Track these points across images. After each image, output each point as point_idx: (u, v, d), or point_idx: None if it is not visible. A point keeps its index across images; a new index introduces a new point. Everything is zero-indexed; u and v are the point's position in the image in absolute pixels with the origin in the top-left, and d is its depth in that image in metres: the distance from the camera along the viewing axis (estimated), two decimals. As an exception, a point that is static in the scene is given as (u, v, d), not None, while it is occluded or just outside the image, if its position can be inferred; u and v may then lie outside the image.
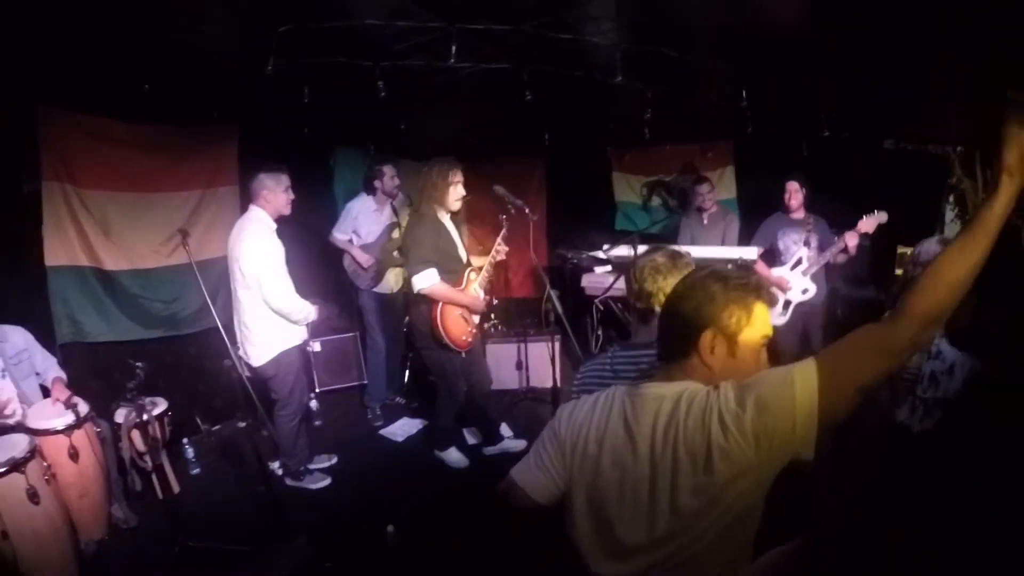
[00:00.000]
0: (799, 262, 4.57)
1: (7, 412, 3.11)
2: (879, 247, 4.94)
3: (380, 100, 3.75)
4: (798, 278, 4.54)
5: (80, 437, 3.08)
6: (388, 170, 4.92)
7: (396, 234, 4.92)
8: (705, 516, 1.27)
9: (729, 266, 4.31)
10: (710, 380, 1.36)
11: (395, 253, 4.90)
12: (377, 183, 4.91)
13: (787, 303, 4.55)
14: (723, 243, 5.21)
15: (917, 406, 2.58)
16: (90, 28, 2.83)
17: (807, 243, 4.55)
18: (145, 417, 3.25)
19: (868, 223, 4.34)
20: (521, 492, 1.53)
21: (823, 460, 1.25)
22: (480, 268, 4.02)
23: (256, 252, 3.56)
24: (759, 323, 1.40)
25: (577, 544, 1.45)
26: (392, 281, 5.09)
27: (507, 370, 5.48)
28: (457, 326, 3.84)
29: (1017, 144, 1.15)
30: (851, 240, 4.35)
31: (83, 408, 3.17)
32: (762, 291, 1.42)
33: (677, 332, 1.41)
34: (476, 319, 4.03)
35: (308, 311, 3.76)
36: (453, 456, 4.19)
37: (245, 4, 2.85)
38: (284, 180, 3.71)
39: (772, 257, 4.78)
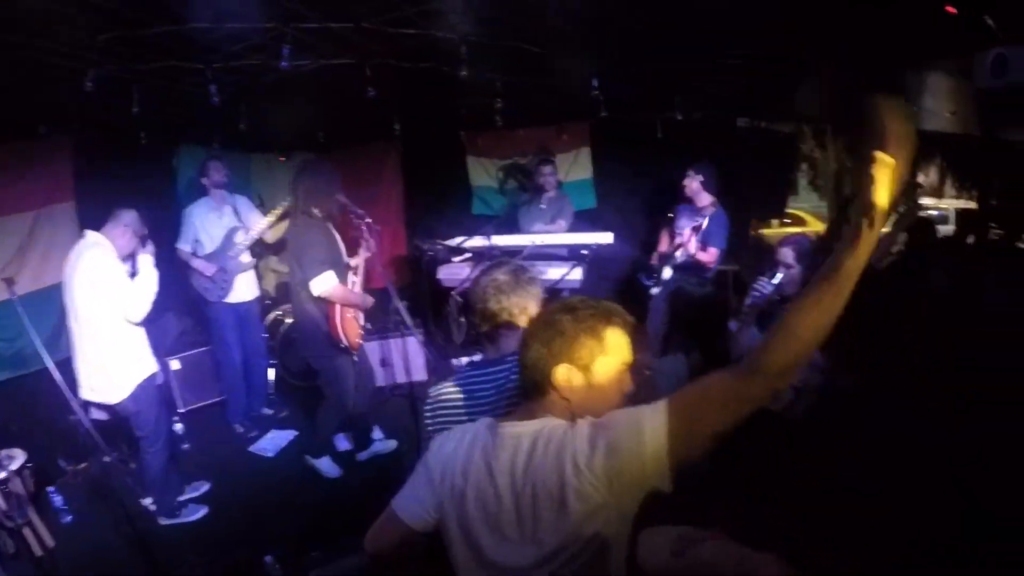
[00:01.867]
0: (678, 246, 4.77)
1: None
2: (735, 223, 5.22)
3: (218, 100, 3.61)
4: (673, 261, 4.78)
5: (-71, 509, 2.79)
6: (213, 164, 4.68)
7: (239, 238, 4.69)
8: (567, 549, 1.30)
9: (583, 252, 4.53)
10: (570, 413, 1.39)
11: (243, 258, 4.72)
12: (205, 180, 4.65)
13: (660, 282, 4.79)
14: (562, 228, 5.34)
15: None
16: None
17: (696, 230, 4.69)
18: (3, 475, 3.00)
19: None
20: (399, 520, 1.53)
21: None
22: (357, 267, 4.00)
23: (97, 282, 3.31)
24: (614, 349, 1.42)
25: (457, 567, 1.48)
26: (244, 290, 4.80)
27: (373, 368, 5.40)
28: (352, 327, 3.85)
29: (884, 176, 1.13)
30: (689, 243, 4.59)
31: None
32: (613, 316, 1.44)
33: (532, 371, 1.42)
34: (362, 318, 4.03)
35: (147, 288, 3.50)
36: (326, 465, 4.10)
37: (61, 13, 2.62)
38: (143, 230, 3.56)
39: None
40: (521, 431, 1.40)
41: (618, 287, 5.82)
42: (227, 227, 4.68)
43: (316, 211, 3.73)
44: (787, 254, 3.04)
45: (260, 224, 4.73)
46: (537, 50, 3.71)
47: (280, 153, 6.62)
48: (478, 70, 3.80)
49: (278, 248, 5.18)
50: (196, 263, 4.58)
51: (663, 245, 4.95)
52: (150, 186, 4.97)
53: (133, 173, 4.67)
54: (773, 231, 10.34)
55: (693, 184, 4.75)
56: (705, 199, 4.74)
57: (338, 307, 3.75)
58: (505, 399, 1.83)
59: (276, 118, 4.84)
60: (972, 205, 7.02)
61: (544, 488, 1.31)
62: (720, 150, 5.31)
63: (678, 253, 4.73)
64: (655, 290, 4.77)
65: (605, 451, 1.26)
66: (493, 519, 1.39)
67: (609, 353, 1.41)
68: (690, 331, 2.49)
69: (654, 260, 4.91)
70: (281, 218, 4.83)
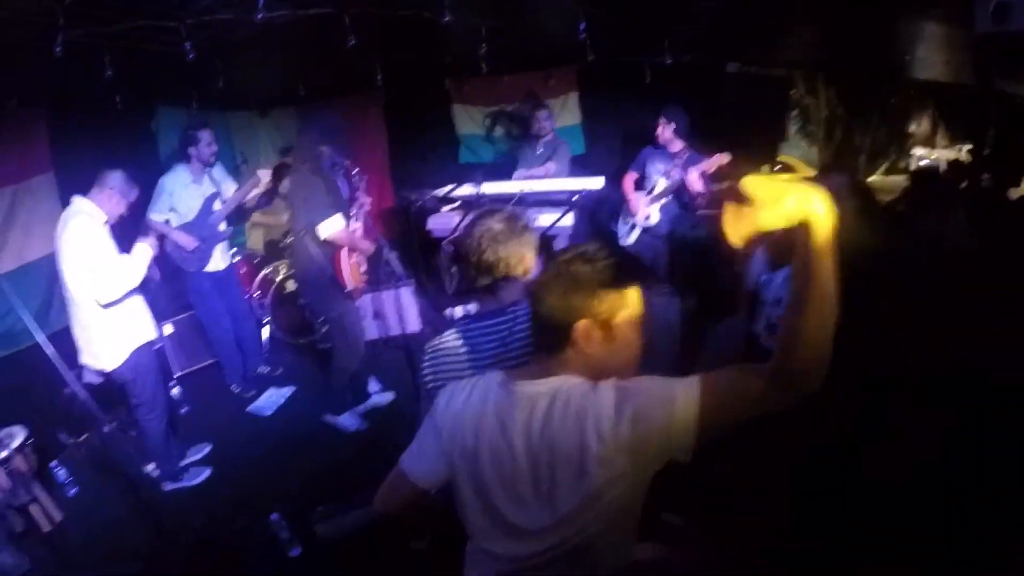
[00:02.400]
0: (651, 190, 4.78)
1: None
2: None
3: (193, 56, 3.47)
4: (645, 204, 4.78)
5: (-67, 494, 2.79)
6: (204, 136, 4.41)
7: (217, 206, 4.56)
8: (583, 515, 1.28)
9: (575, 198, 4.51)
10: (589, 368, 1.34)
11: (221, 227, 4.60)
12: (192, 150, 4.40)
13: (632, 226, 4.82)
14: (550, 170, 5.30)
15: (768, 325, 2.88)
16: None
17: (667, 174, 4.71)
18: (4, 454, 3.00)
19: (708, 163, 4.52)
20: (408, 480, 1.49)
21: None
22: (356, 214, 4.04)
23: (79, 251, 3.22)
24: (633, 303, 1.36)
25: (469, 525, 1.46)
26: (219, 258, 4.68)
27: (365, 320, 5.38)
28: (355, 272, 3.88)
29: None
30: (690, 176, 4.52)
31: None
32: (631, 266, 1.39)
33: (549, 326, 1.35)
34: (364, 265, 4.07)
35: (136, 274, 3.42)
36: (348, 421, 4.13)
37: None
38: (133, 192, 3.45)
39: (641, 184, 4.94)
40: (538, 390, 1.34)
41: (607, 232, 5.79)
42: (204, 195, 4.51)
43: (327, 155, 3.75)
44: None
45: (254, 186, 4.62)
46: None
47: (259, 109, 6.46)
48: (461, 15, 3.66)
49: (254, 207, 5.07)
50: (177, 236, 4.40)
51: (629, 189, 4.94)
52: (130, 151, 4.82)
53: (112, 139, 4.54)
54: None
55: (666, 132, 4.73)
56: (678, 144, 4.74)
57: (344, 252, 3.77)
58: (512, 351, 1.78)
59: (254, 73, 4.68)
60: (963, 156, 7.00)
61: (563, 452, 1.27)
62: (709, 95, 5.25)
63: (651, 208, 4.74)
64: (628, 240, 4.78)
65: (632, 419, 1.22)
66: (508, 480, 1.35)
67: (628, 307, 1.35)
68: (685, 273, 2.46)
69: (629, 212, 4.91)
70: (275, 175, 4.76)
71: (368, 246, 4.03)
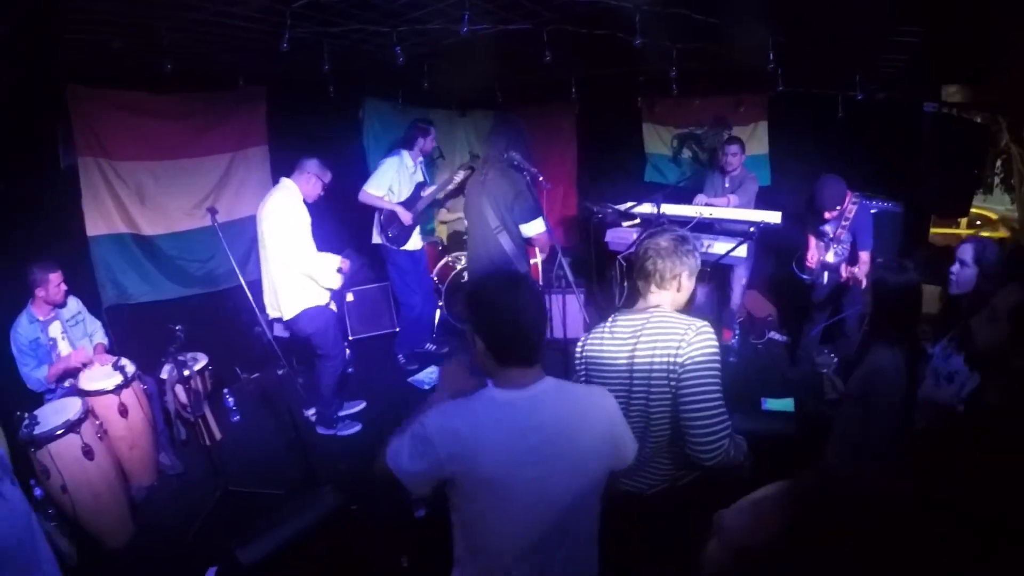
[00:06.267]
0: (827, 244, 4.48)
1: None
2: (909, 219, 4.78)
3: (403, 60, 3.79)
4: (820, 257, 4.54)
5: (128, 395, 3.42)
6: (432, 131, 5.01)
7: (425, 192, 5.04)
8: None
9: (751, 228, 4.33)
10: None
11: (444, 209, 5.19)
12: (420, 140, 4.97)
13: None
14: (732, 202, 5.15)
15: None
16: (111, 8, 2.94)
17: (835, 240, 4.40)
18: (187, 373, 3.55)
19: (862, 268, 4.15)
20: None
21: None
22: None
23: (281, 219, 3.75)
24: None
25: None
26: (417, 239, 5.14)
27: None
28: (536, 273, 4.26)
29: None
30: (851, 272, 4.18)
31: (130, 368, 3.48)
32: None
33: None
34: None
35: (332, 278, 3.95)
36: None
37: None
38: (327, 176, 3.95)
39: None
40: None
41: (780, 268, 5.47)
42: (415, 182, 5.04)
43: (516, 161, 3.82)
44: (966, 250, 2.79)
45: (452, 182, 5.13)
46: (713, 21, 3.51)
47: (459, 109, 6.91)
48: (653, 38, 3.67)
49: (443, 201, 5.48)
50: (399, 210, 4.90)
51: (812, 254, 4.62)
52: (336, 134, 5.42)
53: (322, 122, 5.11)
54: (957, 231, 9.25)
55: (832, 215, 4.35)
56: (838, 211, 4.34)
57: (536, 251, 4.02)
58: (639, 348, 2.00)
59: (456, 77, 5.01)
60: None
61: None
62: (902, 135, 4.80)
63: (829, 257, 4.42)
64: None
65: None
66: None
67: None
68: (897, 321, 2.36)
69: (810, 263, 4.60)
70: (460, 168, 5.21)
71: (548, 251, 4.19)
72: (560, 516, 1.50)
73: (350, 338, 5.57)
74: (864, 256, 4.21)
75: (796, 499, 2.37)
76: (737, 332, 5.32)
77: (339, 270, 4.01)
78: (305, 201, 3.89)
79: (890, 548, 2.15)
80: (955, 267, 2.81)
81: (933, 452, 2.31)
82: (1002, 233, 10.24)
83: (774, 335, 5.57)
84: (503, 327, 1.53)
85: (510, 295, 1.54)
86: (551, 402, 1.54)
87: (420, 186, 5.06)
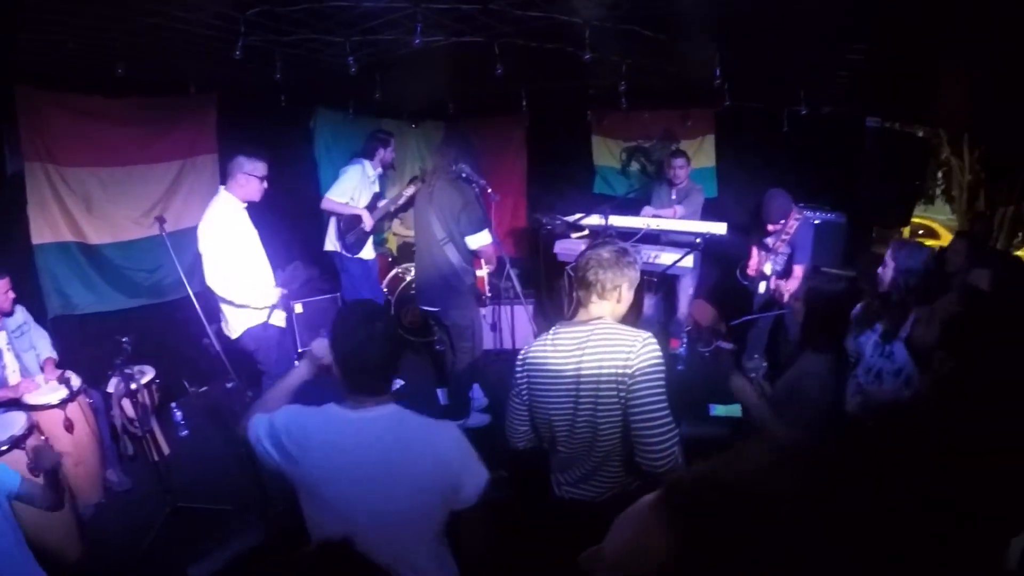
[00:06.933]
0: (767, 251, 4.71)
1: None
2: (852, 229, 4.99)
3: (355, 70, 3.81)
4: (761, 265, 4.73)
5: (74, 409, 3.32)
6: (392, 142, 5.12)
7: (380, 204, 5.08)
8: None
9: (697, 240, 4.50)
10: None
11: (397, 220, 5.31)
12: (381, 150, 5.05)
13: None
14: (678, 213, 5.31)
15: (855, 391, 2.75)
16: (65, 9, 2.88)
17: (774, 253, 4.62)
18: (134, 386, 3.43)
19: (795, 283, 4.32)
20: None
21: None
22: None
23: (210, 241, 3.57)
24: None
25: None
26: (371, 248, 5.19)
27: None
28: (482, 284, 4.30)
29: None
30: (786, 284, 4.41)
31: (75, 382, 3.38)
32: None
33: None
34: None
35: (262, 296, 3.75)
36: (477, 419, 4.32)
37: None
38: (261, 168, 3.73)
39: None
40: None
41: (726, 277, 5.67)
42: (373, 192, 5.11)
43: (465, 172, 3.88)
44: (888, 252, 2.99)
45: (403, 196, 5.22)
46: (661, 37, 3.63)
47: (411, 120, 6.93)
48: (603, 53, 3.78)
49: (395, 214, 5.57)
50: (363, 214, 4.95)
51: (753, 263, 4.84)
52: (287, 143, 5.39)
53: (273, 131, 5.06)
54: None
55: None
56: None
57: (482, 263, 4.08)
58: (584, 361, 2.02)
59: (408, 88, 5.06)
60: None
61: None
62: (845, 149, 5.05)
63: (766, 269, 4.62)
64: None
65: None
66: None
67: None
68: (828, 329, 2.46)
69: (751, 271, 4.81)
70: (410, 182, 5.29)
71: (496, 262, 4.31)
72: (366, 538, 1.26)
73: (300, 350, 5.47)
74: (797, 271, 4.41)
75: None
76: (685, 341, 5.48)
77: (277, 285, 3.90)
78: (251, 202, 3.74)
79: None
80: (880, 267, 3.02)
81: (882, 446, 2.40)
82: (944, 242, 10.73)
83: (721, 343, 5.76)
84: (348, 359, 1.73)
85: (363, 330, 1.70)
86: (383, 427, 1.66)
87: (377, 196, 5.10)
